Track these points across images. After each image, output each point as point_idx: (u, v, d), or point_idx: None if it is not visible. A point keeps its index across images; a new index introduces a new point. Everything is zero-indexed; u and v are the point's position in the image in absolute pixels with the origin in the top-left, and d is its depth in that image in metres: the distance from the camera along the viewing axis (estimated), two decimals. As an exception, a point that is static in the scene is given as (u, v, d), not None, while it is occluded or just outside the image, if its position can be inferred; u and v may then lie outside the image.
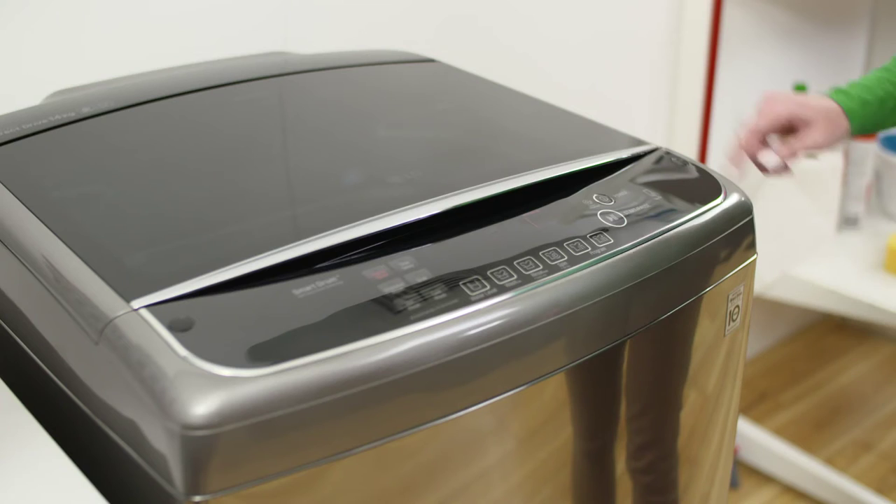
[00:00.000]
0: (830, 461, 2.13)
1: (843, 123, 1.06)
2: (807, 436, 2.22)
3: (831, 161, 2.04)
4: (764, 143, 1.08)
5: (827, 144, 1.06)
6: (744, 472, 2.11)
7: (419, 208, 0.90)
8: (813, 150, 1.07)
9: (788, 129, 1.08)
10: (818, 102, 1.06)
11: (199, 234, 0.89)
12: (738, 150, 1.08)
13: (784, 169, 1.08)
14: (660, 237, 0.95)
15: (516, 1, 1.75)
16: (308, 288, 0.81)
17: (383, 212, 0.89)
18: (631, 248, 0.92)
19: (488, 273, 0.85)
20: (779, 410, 2.31)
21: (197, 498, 0.71)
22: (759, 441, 2.11)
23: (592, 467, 0.99)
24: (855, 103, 1.06)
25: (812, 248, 2.06)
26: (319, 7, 1.49)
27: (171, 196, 0.96)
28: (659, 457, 1.06)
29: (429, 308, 0.81)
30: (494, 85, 1.29)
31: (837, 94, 1.08)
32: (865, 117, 1.07)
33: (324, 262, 0.84)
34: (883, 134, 2.24)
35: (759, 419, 2.25)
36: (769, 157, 1.06)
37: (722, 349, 1.07)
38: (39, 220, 0.88)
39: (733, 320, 1.07)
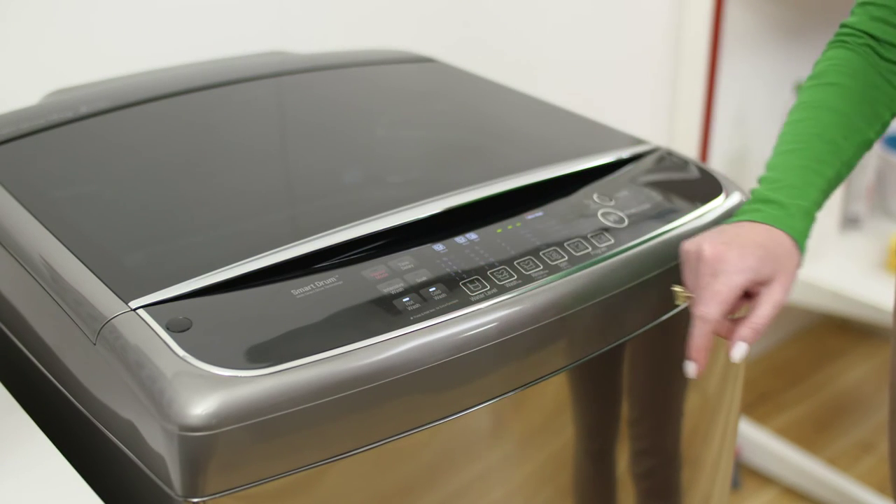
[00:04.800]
0: (832, 462, 2.12)
1: (797, 260, 0.84)
2: (808, 437, 2.22)
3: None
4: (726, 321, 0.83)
5: (788, 297, 0.83)
6: (745, 473, 2.11)
7: (419, 208, 0.90)
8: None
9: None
10: (773, 248, 0.82)
11: (197, 233, 0.89)
12: (703, 345, 0.82)
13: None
14: (661, 237, 0.95)
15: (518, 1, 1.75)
16: (307, 288, 0.80)
17: (383, 212, 0.89)
18: (632, 249, 0.92)
19: (488, 273, 0.85)
20: (780, 411, 2.31)
21: (195, 500, 0.71)
22: (760, 442, 2.11)
23: (593, 470, 0.99)
24: (799, 221, 0.85)
25: (813, 247, 2.06)
26: (318, 6, 1.48)
27: (169, 196, 0.95)
28: (659, 463, 1.06)
29: (429, 308, 0.80)
30: (494, 84, 1.28)
31: (774, 212, 0.85)
32: (809, 232, 0.86)
33: (323, 262, 0.84)
34: (885, 133, 2.23)
35: (760, 420, 2.24)
36: (738, 350, 0.81)
37: (722, 350, 1.07)
38: (37, 220, 0.88)
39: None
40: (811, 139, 0.90)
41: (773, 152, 0.91)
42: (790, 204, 0.85)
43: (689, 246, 0.85)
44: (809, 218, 0.86)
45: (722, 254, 0.82)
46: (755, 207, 0.87)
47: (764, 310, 0.82)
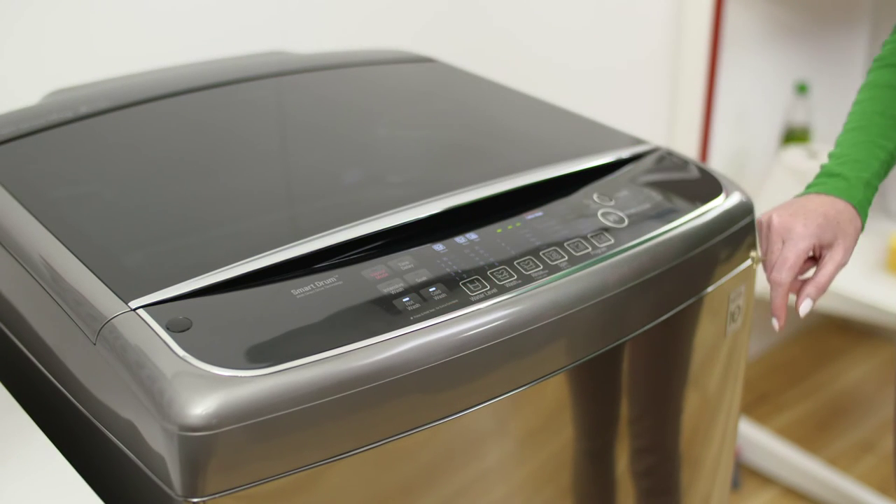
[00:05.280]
0: (832, 462, 2.12)
1: (858, 225, 0.95)
2: (808, 437, 2.21)
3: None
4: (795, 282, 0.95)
5: (848, 259, 0.94)
6: (745, 473, 2.11)
7: (419, 208, 0.90)
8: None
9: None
10: (834, 216, 0.93)
11: (197, 233, 0.88)
12: (781, 305, 0.93)
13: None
14: (661, 237, 0.95)
15: (518, 0, 1.75)
16: (307, 288, 0.80)
17: (383, 212, 0.89)
18: (631, 248, 0.92)
19: (488, 273, 0.85)
20: (780, 411, 2.31)
21: (195, 500, 0.71)
22: (760, 442, 2.11)
23: (593, 469, 0.99)
24: (860, 191, 0.95)
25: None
26: (318, 6, 1.48)
27: (169, 196, 0.95)
28: (660, 460, 1.06)
29: (429, 308, 0.80)
30: (494, 84, 1.28)
31: (837, 184, 0.95)
32: (871, 200, 0.97)
33: (323, 262, 0.84)
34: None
35: (760, 420, 2.24)
36: (806, 306, 0.93)
37: (723, 350, 1.07)
38: (37, 220, 0.88)
39: (734, 321, 1.07)
40: (873, 116, 0.99)
41: (843, 130, 1.01)
42: (852, 176, 0.96)
43: (761, 217, 0.96)
44: (870, 188, 0.96)
45: (788, 223, 0.93)
46: (822, 181, 0.97)
47: (827, 269, 0.93)
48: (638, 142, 1.11)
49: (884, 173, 0.98)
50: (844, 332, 2.61)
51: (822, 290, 0.94)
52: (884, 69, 1.02)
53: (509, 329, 0.82)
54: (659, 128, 2.04)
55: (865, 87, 1.03)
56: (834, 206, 0.94)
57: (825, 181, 0.97)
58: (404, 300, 0.80)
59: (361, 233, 0.86)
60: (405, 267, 0.84)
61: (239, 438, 0.70)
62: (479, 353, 0.81)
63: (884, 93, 1.00)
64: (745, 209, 1.04)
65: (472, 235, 0.89)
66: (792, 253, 0.92)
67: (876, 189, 0.98)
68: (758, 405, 2.32)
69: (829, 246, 0.93)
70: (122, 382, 0.74)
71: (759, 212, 1.08)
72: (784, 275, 0.92)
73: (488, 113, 1.21)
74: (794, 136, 2.18)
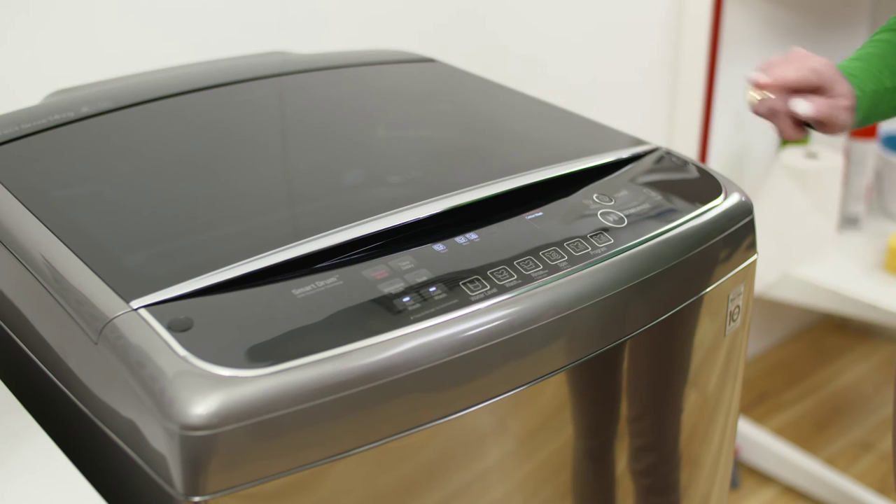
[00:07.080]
0: (831, 461, 2.12)
1: (851, 102, 0.98)
2: (807, 436, 2.22)
3: (832, 161, 2.04)
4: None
5: (843, 130, 0.98)
6: (744, 473, 2.11)
7: (419, 208, 0.90)
8: (827, 126, 0.98)
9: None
10: (842, 81, 0.96)
11: (198, 233, 0.89)
12: (761, 102, 0.97)
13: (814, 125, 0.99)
14: (660, 237, 0.95)
15: (517, 0, 1.75)
16: (308, 288, 0.81)
17: (383, 212, 0.89)
18: (631, 248, 0.92)
19: (488, 273, 0.85)
20: (779, 411, 2.31)
21: (196, 498, 0.71)
22: (759, 441, 2.11)
23: (593, 468, 0.99)
24: (867, 97, 0.98)
25: (812, 248, 2.06)
26: (319, 7, 1.49)
27: (170, 196, 0.95)
28: (659, 459, 1.06)
29: (429, 308, 0.80)
30: (494, 84, 1.28)
31: (850, 77, 0.98)
32: (869, 110, 0.99)
33: (323, 262, 0.84)
34: (883, 134, 2.24)
35: (759, 419, 2.25)
36: (803, 106, 0.95)
37: (722, 349, 1.07)
38: (39, 220, 0.88)
39: (733, 320, 1.07)
40: (888, 46, 1.03)
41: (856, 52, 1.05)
42: (867, 89, 0.99)
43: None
44: (873, 97, 0.99)
45: (799, 53, 0.98)
46: (843, 63, 1.01)
47: (827, 101, 0.95)
48: (637, 142, 1.11)
49: (883, 100, 1.01)
50: (843, 332, 2.61)
51: (817, 106, 0.95)
52: (889, 31, 1.05)
53: (509, 329, 0.82)
54: (658, 128, 2.05)
55: (879, 31, 1.05)
56: (838, 78, 0.97)
57: (846, 64, 1.00)
58: (404, 300, 0.81)
59: (362, 233, 0.86)
60: (405, 267, 0.84)
61: (240, 437, 0.71)
62: (479, 353, 0.81)
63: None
64: (744, 209, 1.04)
65: (472, 235, 0.90)
66: (795, 61, 0.95)
67: (877, 106, 0.99)
68: (757, 404, 2.33)
69: (828, 93, 0.96)
70: (124, 382, 0.74)
71: (759, 213, 1.08)
72: (781, 67, 0.95)
73: (488, 113, 1.22)
74: (793, 136, 2.18)
